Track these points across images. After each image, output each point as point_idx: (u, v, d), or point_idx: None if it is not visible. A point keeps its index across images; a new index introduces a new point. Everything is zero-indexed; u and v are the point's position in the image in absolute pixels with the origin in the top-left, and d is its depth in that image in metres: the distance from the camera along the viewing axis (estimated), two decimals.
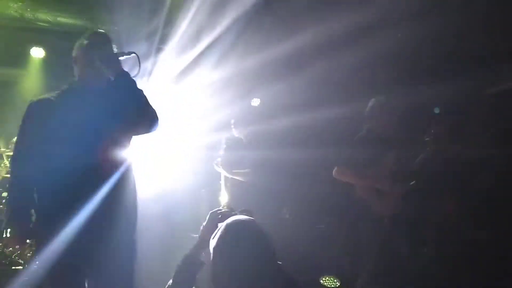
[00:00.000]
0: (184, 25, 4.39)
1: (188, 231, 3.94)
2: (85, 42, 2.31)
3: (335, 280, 3.90)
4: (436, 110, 4.08)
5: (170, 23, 4.49)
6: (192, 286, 1.82)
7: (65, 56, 4.62)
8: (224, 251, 1.56)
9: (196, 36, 4.58)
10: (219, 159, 4.10)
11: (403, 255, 3.56)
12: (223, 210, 1.89)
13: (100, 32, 2.39)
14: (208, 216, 1.89)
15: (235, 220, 1.63)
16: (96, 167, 2.17)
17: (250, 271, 1.53)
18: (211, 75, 4.90)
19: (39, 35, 5.06)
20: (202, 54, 4.77)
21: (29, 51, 5.51)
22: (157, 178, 4.52)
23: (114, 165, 2.25)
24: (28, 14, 4.56)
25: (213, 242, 1.61)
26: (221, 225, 1.62)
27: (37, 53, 5.58)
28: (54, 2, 4.40)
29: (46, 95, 2.32)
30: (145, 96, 2.25)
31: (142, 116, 2.22)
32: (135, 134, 2.35)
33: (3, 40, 4.99)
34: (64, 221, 2.08)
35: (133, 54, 2.26)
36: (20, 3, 4.56)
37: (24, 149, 2.25)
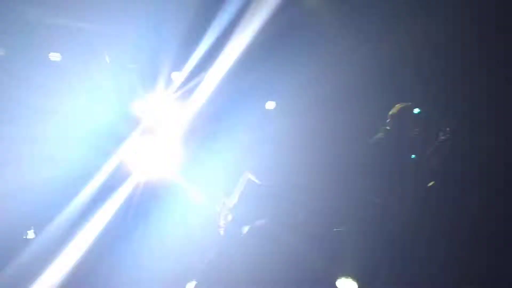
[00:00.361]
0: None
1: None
2: None
3: (352, 282, 3.87)
4: (416, 110, 4.06)
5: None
6: None
7: (81, 60, 4.69)
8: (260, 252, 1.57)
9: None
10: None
11: (422, 258, 3.53)
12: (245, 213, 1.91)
13: None
14: (232, 219, 1.91)
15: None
16: None
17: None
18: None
19: (57, 40, 5.14)
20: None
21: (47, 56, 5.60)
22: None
23: None
24: (47, 20, 4.65)
25: (245, 244, 1.63)
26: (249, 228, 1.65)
27: (55, 57, 5.68)
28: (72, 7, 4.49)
29: None
30: None
31: None
32: None
33: (22, 45, 5.09)
34: None
35: None
36: (38, 9, 4.66)
37: None
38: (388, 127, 3.63)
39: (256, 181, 4.07)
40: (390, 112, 3.67)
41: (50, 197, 4.19)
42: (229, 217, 4.00)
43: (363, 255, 3.70)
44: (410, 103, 3.67)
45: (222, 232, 4.03)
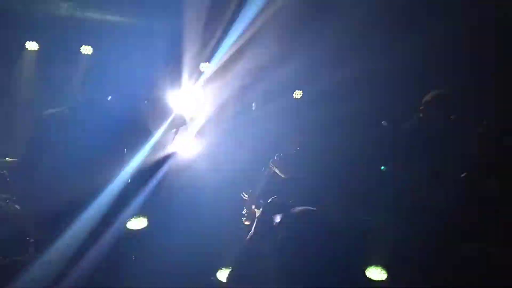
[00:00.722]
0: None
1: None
2: None
3: (382, 272, 3.85)
4: (384, 123, 3.95)
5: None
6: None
7: (112, 53, 4.79)
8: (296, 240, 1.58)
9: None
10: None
11: (453, 249, 3.48)
12: (277, 202, 1.91)
13: None
14: (263, 207, 1.92)
15: (303, 211, 1.66)
16: None
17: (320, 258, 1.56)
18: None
19: (88, 34, 5.25)
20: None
21: (79, 49, 5.72)
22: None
23: None
24: (78, 13, 4.77)
25: (280, 232, 1.64)
26: (284, 216, 1.65)
27: (85, 51, 5.79)
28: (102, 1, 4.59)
29: None
30: None
31: None
32: None
33: (54, 39, 5.21)
34: None
35: None
36: (70, 2, 4.77)
37: None
38: (421, 114, 3.56)
39: (281, 173, 4.07)
40: (424, 99, 3.59)
41: (83, 184, 4.29)
42: (254, 208, 4.03)
43: (393, 244, 3.67)
44: (445, 90, 3.58)
45: (246, 222, 4.06)
